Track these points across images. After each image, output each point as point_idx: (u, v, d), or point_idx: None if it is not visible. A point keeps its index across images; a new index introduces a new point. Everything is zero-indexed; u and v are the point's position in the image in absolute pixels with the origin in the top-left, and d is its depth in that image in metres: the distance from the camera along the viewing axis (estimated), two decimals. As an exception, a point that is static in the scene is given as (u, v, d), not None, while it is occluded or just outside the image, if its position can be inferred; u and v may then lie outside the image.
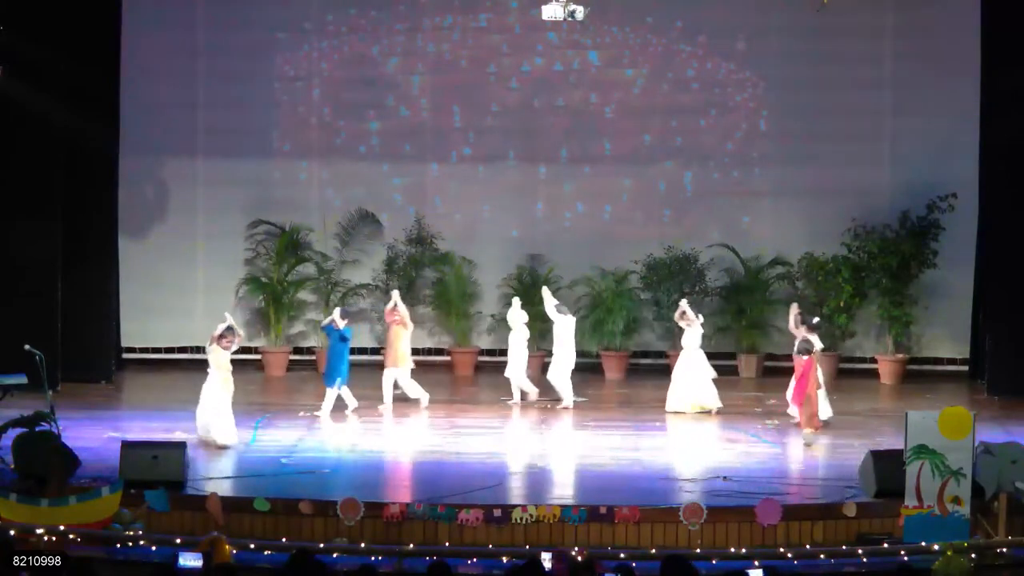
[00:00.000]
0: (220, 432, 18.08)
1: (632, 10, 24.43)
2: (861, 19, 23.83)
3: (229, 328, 18.77)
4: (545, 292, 21.93)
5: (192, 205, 24.45)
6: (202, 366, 18.94)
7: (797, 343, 19.41)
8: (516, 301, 21.81)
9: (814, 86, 23.95)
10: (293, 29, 24.47)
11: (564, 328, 21.30)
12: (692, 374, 20.49)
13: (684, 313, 20.79)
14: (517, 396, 21.34)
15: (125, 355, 23.79)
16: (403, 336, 21.02)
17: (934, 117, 23.77)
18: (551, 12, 22.53)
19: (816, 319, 20.38)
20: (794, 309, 20.31)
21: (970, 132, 23.16)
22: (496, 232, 24.69)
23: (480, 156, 24.72)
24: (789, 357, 24.19)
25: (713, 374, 20.66)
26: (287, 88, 24.59)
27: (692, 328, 20.76)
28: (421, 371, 21.63)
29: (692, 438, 19.19)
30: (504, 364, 21.65)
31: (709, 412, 20.38)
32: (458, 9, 24.55)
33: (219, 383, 18.33)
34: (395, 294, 21.53)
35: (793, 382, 19.66)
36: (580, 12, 22.59)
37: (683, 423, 20.07)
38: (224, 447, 17.93)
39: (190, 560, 12.47)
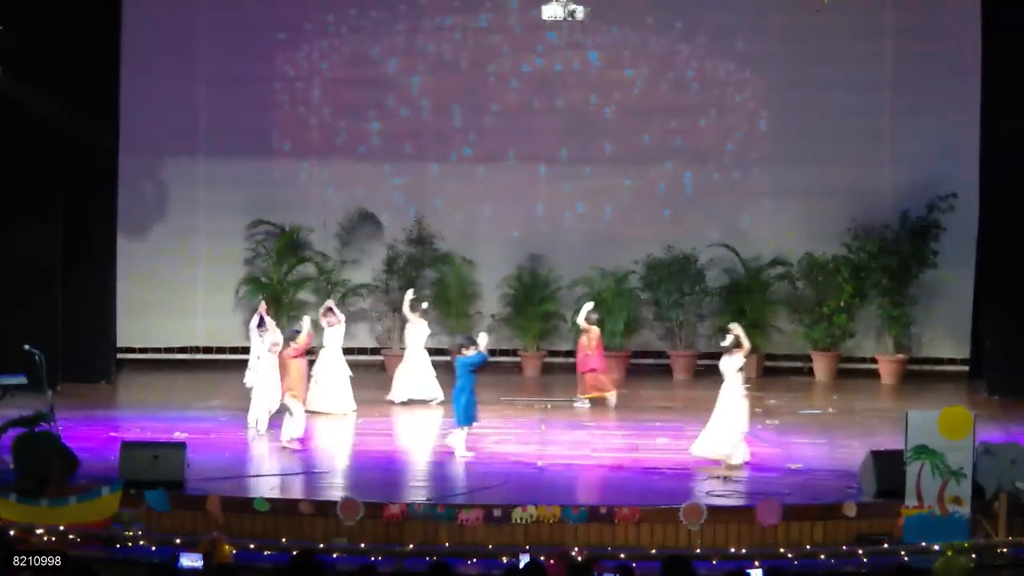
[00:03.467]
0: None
1: (632, 10, 24.43)
2: (861, 19, 23.84)
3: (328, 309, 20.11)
4: (408, 295, 21.80)
5: (192, 205, 24.47)
6: (202, 366, 19.01)
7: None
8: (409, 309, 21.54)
9: (814, 86, 23.95)
10: (293, 29, 24.48)
11: (419, 331, 21.29)
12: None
13: (738, 340, 17.71)
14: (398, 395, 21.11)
15: (125, 355, 23.78)
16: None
17: (934, 117, 23.79)
18: (551, 12, 22.59)
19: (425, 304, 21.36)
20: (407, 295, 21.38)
21: (970, 132, 23.16)
22: (496, 232, 24.70)
23: (480, 156, 24.73)
24: (788, 357, 24.35)
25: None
26: (287, 88, 24.60)
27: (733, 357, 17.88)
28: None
29: (692, 438, 19.14)
30: (504, 364, 21.64)
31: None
32: (458, 9, 24.56)
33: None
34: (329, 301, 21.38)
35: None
36: (580, 12, 22.65)
37: (683, 423, 20.04)
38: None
39: (190, 560, 12.44)
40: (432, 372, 21.18)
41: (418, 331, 21.35)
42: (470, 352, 17.75)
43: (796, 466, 17.41)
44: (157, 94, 23.89)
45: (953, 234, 23.42)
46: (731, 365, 17.41)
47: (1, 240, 21.38)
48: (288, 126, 24.67)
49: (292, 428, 17.92)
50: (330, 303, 20.84)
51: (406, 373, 21.23)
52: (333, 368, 20.38)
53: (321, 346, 20.40)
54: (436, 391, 20.99)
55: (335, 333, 20.58)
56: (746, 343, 17.57)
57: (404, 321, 21.72)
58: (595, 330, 21.39)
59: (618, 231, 24.60)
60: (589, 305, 21.61)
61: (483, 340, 17.91)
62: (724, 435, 17.30)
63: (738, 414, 17.27)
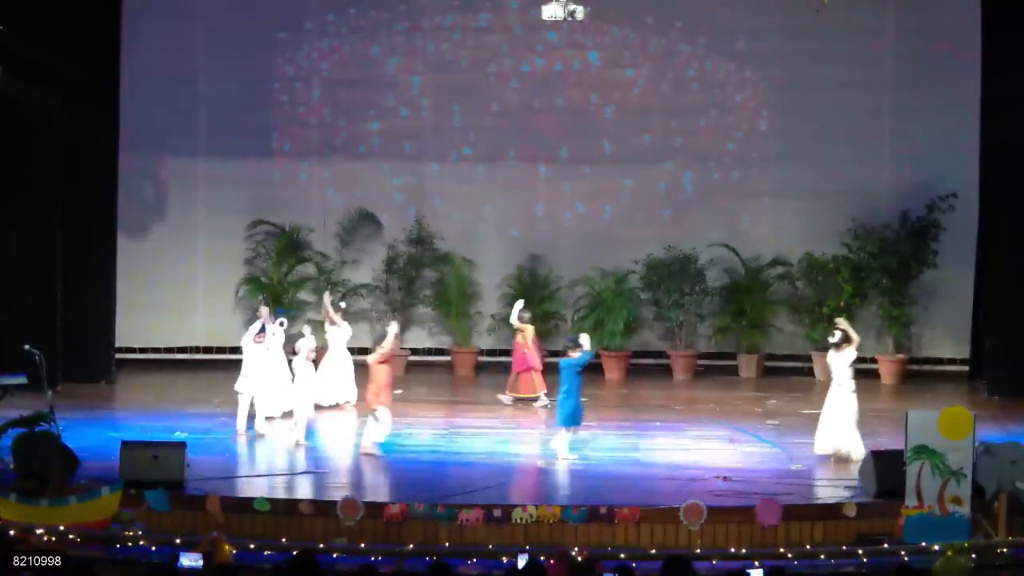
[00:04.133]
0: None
1: (632, 10, 24.43)
2: (861, 19, 23.84)
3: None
4: (326, 297, 21.53)
5: (192, 205, 24.47)
6: (202, 366, 19.02)
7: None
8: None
9: (814, 86, 23.95)
10: (293, 29, 24.48)
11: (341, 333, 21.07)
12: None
13: (846, 335, 17.67)
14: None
15: (125, 355, 23.77)
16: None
17: (934, 117, 23.78)
18: (551, 12, 22.58)
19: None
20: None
21: (970, 132, 23.14)
22: (496, 232, 24.70)
23: (480, 156, 24.73)
24: (788, 357, 24.34)
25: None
26: (287, 88, 24.59)
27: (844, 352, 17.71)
28: (421, 371, 21.64)
29: (692, 438, 19.16)
30: (504, 364, 21.64)
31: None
32: (458, 9, 24.56)
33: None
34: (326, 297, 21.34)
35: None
36: (580, 12, 22.63)
37: (682, 423, 20.06)
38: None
39: (190, 560, 12.45)
40: (352, 375, 20.72)
41: (341, 333, 20.96)
42: (576, 354, 17.75)
43: (796, 466, 17.42)
44: (157, 94, 23.88)
45: (953, 234, 23.42)
46: (842, 361, 17.59)
47: (1, 240, 21.38)
48: (288, 126, 24.66)
49: (376, 433, 17.84)
50: (327, 303, 20.83)
51: (328, 375, 20.58)
52: (340, 363, 20.67)
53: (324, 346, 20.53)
54: (353, 393, 20.63)
55: (340, 333, 20.72)
56: (855, 337, 17.77)
57: (331, 323, 21.01)
58: (530, 328, 21.36)
59: (618, 231, 24.59)
60: (520, 304, 21.53)
61: (586, 341, 17.92)
62: (843, 431, 17.43)
63: (850, 408, 17.48)
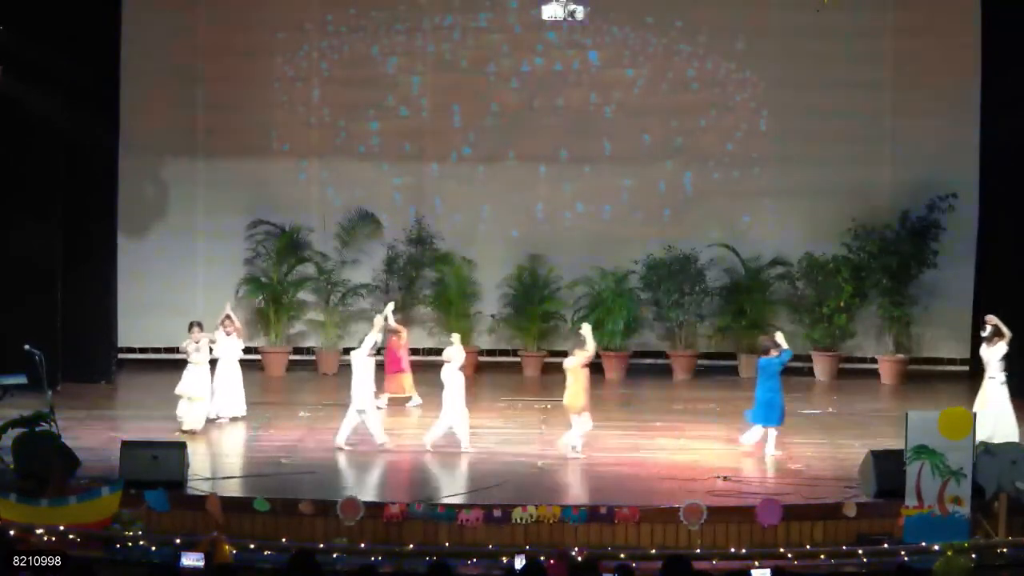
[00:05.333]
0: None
1: (632, 10, 24.43)
2: (861, 19, 23.85)
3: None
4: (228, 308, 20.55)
5: (192, 205, 24.48)
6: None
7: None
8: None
9: (814, 86, 23.96)
10: (293, 29, 24.48)
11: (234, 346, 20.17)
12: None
13: (997, 329, 18.21)
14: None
15: (125, 355, 23.78)
16: None
17: (934, 117, 23.80)
18: (551, 12, 22.58)
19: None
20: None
21: (970, 132, 23.17)
22: (496, 232, 24.70)
23: (480, 156, 24.73)
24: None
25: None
26: (287, 88, 24.60)
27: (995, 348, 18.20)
28: (421, 371, 21.58)
29: (692, 438, 19.17)
30: (504, 364, 21.63)
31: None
32: (458, 9, 24.56)
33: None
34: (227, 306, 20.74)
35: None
36: (580, 12, 22.63)
37: (682, 423, 20.05)
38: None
39: (192, 560, 12.44)
40: (242, 388, 19.97)
41: (234, 346, 20.06)
42: (775, 353, 18.00)
43: (796, 466, 17.42)
44: (157, 94, 23.89)
45: (953, 234, 23.43)
46: (994, 354, 17.97)
47: (1, 240, 21.38)
48: (288, 126, 24.67)
49: (573, 436, 17.79)
50: (228, 310, 20.25)
51: (222, 388, 19.83)
52: (231, 374, 19.76)
53: (215, 357, 19.69)
54: (243, 408, 19.92)
55: (233, 343, 19.92)
56: (1006, 332, 18.13)
57: (227, 333, 20.09)
58: (404, 330, 21.31)
59: (618, 231, 24.60)
60: (391, 306, 21.34)
61: (782, 339, 18.21)
62: (1003, 421, 17.60)
63: (1005, 399, 17.76)
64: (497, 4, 24.57)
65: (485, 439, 18.75)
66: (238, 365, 19.94)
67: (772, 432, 17.92)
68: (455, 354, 18.35)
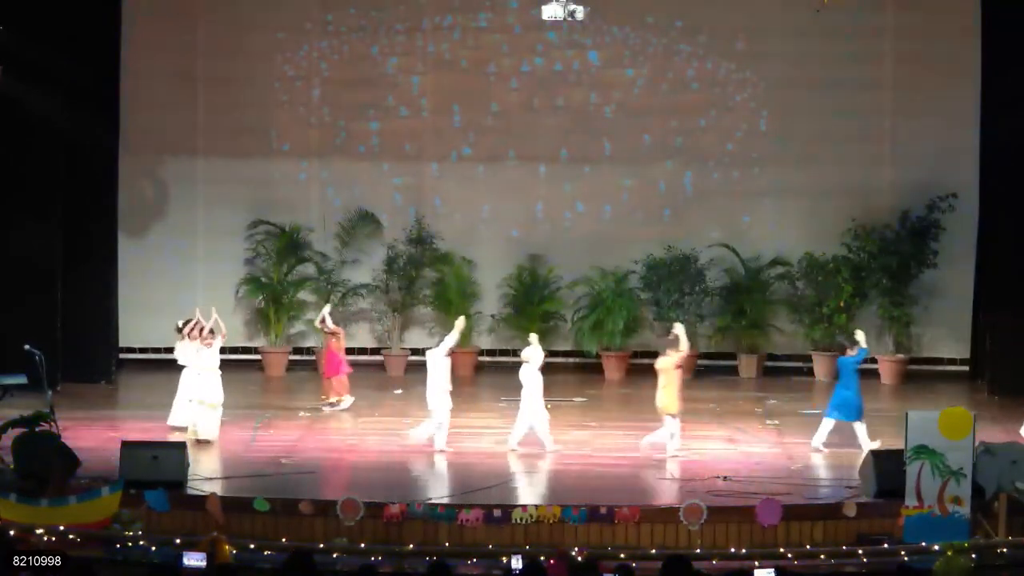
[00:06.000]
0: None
1: (632, 10, 24.42)
2: (861, 19, 23.84)
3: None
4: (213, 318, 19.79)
5: (192, 205, 24.46)
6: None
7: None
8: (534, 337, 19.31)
9: (814, 86, 23.95)
10: (293, 29, 24.47)
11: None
12: None
13: None
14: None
15: (125, 355, 23.77)
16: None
17: (934, 117, 23.79)
18: (551, 12, 22.57)
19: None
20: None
21: (970, 132, 23.18)
22: (496, 232, 24.69)
23: (480, 156, 24.72)
24: (788, 357, 24.34)
25: None
26: (287, 88, 24.59)
27: None
28: (421, 371, 21.55)
29: (692, 438, 19.16)
30: (504, 364, 21.62)
31: None
32: (458, 9, 24.55)
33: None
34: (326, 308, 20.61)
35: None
36: (580, 12, 22.62)
37: (683, 423, 20.04)
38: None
39: (194, 560, 12.44)
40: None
41: (213, 355, 19.19)
42: (853, 352, 18.17)
43: (796, 466, 17.43)
44: (157, 94, 23.89)
45: (953, 234, 23.43)
46: None
47: (1, 240, 21.38)
48: (288, 126, 24.66)
49: (664, 437, 17.87)
50: (203, 319, 19.41)
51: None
52: (214, 391, 18.78)
53: (183, 366, 19.12)
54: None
55: (214, 354, 19.08)
56: None
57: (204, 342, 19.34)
58: (342, 332, 21.15)
59: (618, 231, 24.58)
60: (327, 308, 21.17)
61: (861, 337, 18.29)
62: None
63: None
64: (497, 4, 24.56)
65: (485, 439, 18.76)
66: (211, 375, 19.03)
67: (859, 427, 18.04)
68: (534, 354, 18.31)
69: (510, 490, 16.31)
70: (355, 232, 24.48)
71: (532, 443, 18.16)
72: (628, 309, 23.84)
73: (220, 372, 18.83)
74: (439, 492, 15.89)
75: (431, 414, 18.15)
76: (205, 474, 16.57)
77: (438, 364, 18.22)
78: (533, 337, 18.99)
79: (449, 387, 18.24)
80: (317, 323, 20.77)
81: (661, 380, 17.88)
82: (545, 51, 24.58)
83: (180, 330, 19.44)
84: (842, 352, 18.74)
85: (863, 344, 18.29)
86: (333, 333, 21.07)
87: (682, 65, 24.55)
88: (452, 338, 18.49)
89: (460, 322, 19.15)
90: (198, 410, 18.43)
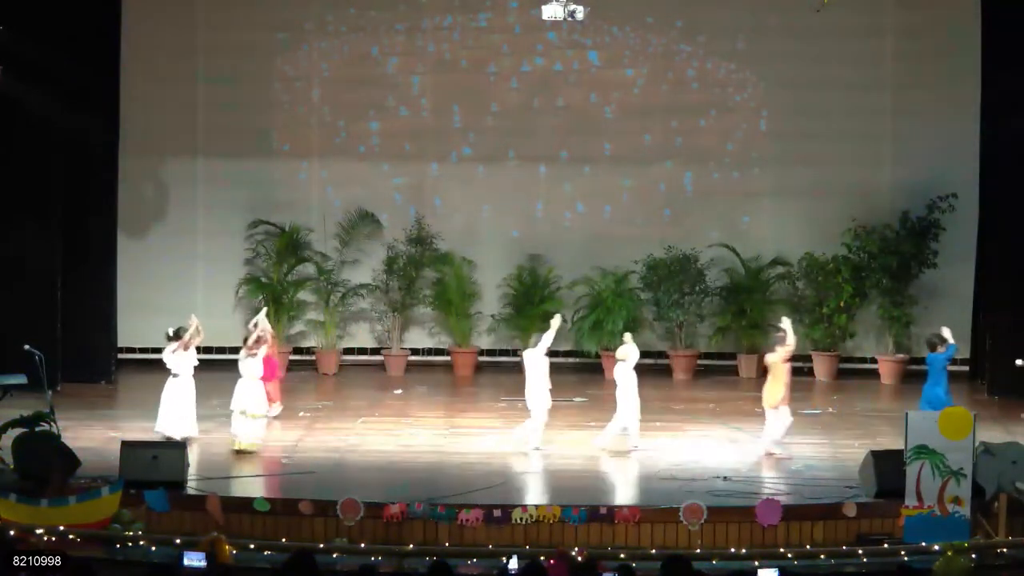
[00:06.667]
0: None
1: (632, 10, 24.42)
2: (861, 19, 23.84)
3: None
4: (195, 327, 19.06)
5: (192, 205, 24.46)
6: (201, 366, 18.95)
7: None
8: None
9: (814, 86, 23.95)
10: (293, 29, 24.47)
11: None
12: None
13: None
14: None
15: (125, 355, 23.76)
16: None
17: (934, 117, 23.79)
18: (551, 12, 22.52)
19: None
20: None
21: (970, 132, 23.17)
22: (496, 232, 24.69)
23: (480, 156, 24.72)
24: (790, 358, 24.29)
25: None
26: (287, 88, 24.59)
27: None
28: (421, 371, 21.64)
29: (692, 438, 19.17)
30: (504, 364, 21.61)
31: None
32: (458, 9, 24.55)
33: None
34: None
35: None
36: (580, 12, 22.59)
37: (682, 423, 20.05)
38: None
39: (195, 560, 12.44)
40: (194, 410, 18.83)
41: (190, 361, 18.93)
42: (942, 349, 18.00)
43: (796, 466, 17.43)
44: (157, 94, 23.88)
45: (953, 234, 23.43)
46: None
47: (1, 240, 21.37)
48: (288, 126, 24.65)
49: (776, 431, 17.92)
50: (260, 329, 19.11)
51: (181, 407, 18.66)
52: (188, 393, 18.53)
53: (175, 374, 18.58)
54: (195, 429, 18.65)
55: (257, 363, 18.72)
56: None
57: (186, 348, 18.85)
58: (271, 336, 20.20)
59: (618, 231, 24.58)
60: (263, 311, 20.25)
61: (948, 334, 18.08)
62: None
63: None
64: (497, 4, 24.56)
65: (485, 439, 18.76)
66: (192, 382, 18.72)
67: None
68: (630, 352, 18.32)
69: (510, 490, 16.30)
70: (355, 232, 24.47)
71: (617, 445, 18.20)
72: (628, 309, 23.83)
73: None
74: (439, 492, 15.88)
75: (531, 414, 18.10)
76: (205, 474, 16.56)
77: (537, 364, 18.17)
78: (628, 336, 18.99)
79: (549, 385, 18.19)
80: (250, 326, 19.92)
81: (770, 375, 17.97)
82: (545, 51, 24.58)
83: (172, 337, 18.90)
84: (932, 349, 18.25)
85: (951, 341, 18.04)
86: (274, 337, 20.44)
87: (682, 65, 24.55)
88: (549, 337, 18.34)
89: (556, 320, 18.82)
90: (240, 420, 18.03)
